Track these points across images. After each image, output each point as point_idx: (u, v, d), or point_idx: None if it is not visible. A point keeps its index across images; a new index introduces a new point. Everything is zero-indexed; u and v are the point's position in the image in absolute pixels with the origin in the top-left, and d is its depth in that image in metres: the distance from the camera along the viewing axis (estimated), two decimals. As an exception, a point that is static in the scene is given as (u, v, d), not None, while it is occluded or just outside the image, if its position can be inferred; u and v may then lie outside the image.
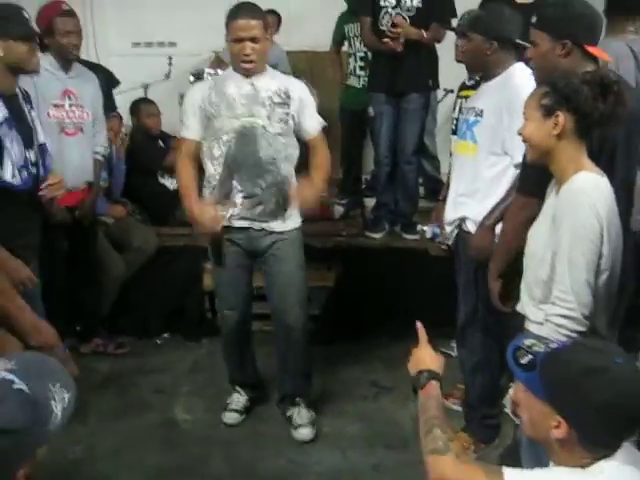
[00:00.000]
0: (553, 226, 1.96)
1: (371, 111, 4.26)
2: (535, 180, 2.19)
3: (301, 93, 3.04)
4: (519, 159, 2.65)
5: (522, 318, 2.34)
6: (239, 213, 3.03)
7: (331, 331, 3.96)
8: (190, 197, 3.00)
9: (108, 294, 4.01)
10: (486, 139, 2.78)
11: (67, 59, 3.47)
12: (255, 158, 2.96)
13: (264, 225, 3.06)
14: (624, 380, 1.45)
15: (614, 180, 2.02)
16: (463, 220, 2.90)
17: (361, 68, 4.72)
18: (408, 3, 3.97)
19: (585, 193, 1.91)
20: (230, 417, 3.38)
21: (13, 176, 2.67)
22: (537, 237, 2.05)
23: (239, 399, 3.43)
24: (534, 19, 2.29)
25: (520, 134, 2.08)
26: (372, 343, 4.03)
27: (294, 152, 3.08)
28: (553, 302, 1.94)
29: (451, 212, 2.96)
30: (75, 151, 3.51)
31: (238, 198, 3.01)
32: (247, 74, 2.93)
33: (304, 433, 3.23)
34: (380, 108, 4.16)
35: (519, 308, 2.17)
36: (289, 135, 3.02)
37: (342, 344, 3.96)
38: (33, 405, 1.26)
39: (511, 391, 1.95)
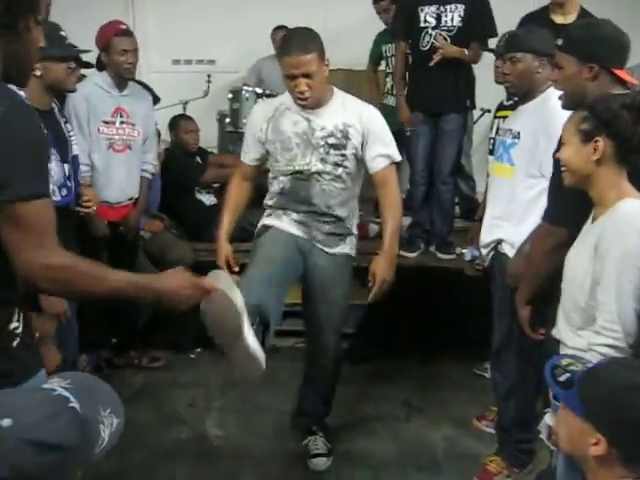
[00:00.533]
0: (595, 254, 1.93)
1: (408, 130, 4.27)
2: (561, 208, 2.19)
3: (368, 125, 2.81)
4: None
5: (557, 343, 2.32)
6: (295, 225, 2.90)
7: (365, 350, 3.95)
8: (221, 229, 3.04)
9: (145, 308, 4.05)
10: (523, 161, 2.76)
11: (122, 77, 3.57)
12: (309, 204, 2.87)
13: (316, 241, 2.91)
14: None
15: None
16: (499, 242, 2.88)
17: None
18: (449, 23, 3.97)
19: (632, 221, 1.90)
20: (319, 462, 3.15)
21: (53, 193, 2.72)
22: (576, 263, 2.03)
23: (317, 440, 3.20)
24: (560, 42, 2.27)
25: (557, 158, 2.06)
26: (405, 363, 4.02)
27: (353, 195, 2.93)
28: (598, 332, 1.92)
29: (487, 234, 2.94)
30: (122, 167, 3.59)
31: (293, 217, 2.92)
32: (306, 107, 2.78)
33: (319, 463, 3.14)
34: (418, 127, 4.17)
35: (555, 333, 2.15)
36: (347, 179, 2.85)
37: (375, 363, 3.96)
38: (84, 425, 1.25)
39: (546, 417, 1.92)
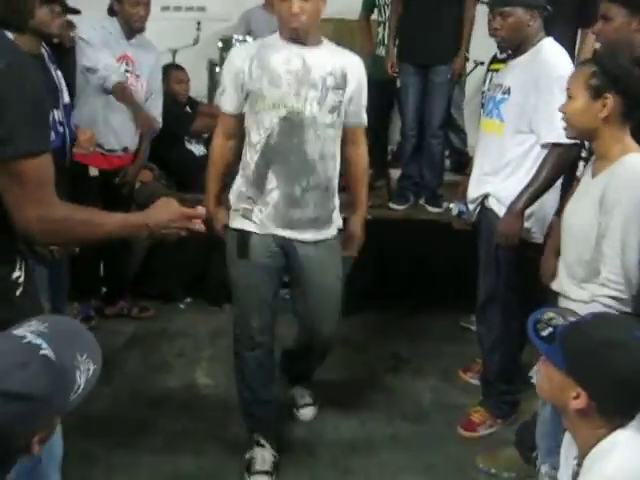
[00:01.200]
0: (600, 207, 1.94)
1: (398, 82, 4.23)
2: None
3: (359, 76, 2.60)
4: (546, 139, 2.65)
5: (553, 295, 2.35)
6: (273, 215, 2.58)
7: (353, 301, 3.97)
8: (210, 195, 2.73)
9: (134, 258, 4.07)
10: (513, 117, 2.75)
11: (132, 28, 3.53)
12: (299, 153, 2.51)
13: (300, 236, 2.62)
14: None
15: None
16: (486, 197, 2.88)
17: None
18: None
19: (638, 175, 1.90)
20: (305, 413, 3.16)
21: None
22: (579, 217, 2.03)
23: (265, 456, 2.78)
24: None
25: (562, 112, 2.05)
26: (393, 314, 4.05)
27: (338, 151, 2.65)
28: (603, 284, 1.95)
29: (474, 190, 2.95)
30: (119, 115, 3.56)
31: (273, 197, 2.56)
32: (297, 41, 2.46)
33: (306, 413, 3.19)
34: (407, 79, 4.12)
35: (555, 286, 2.16)
36: (339, 128, 2.60)
37: (364, 315, 3.98)
38: (57, 373, 1.25)
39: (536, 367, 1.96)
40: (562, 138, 2.55)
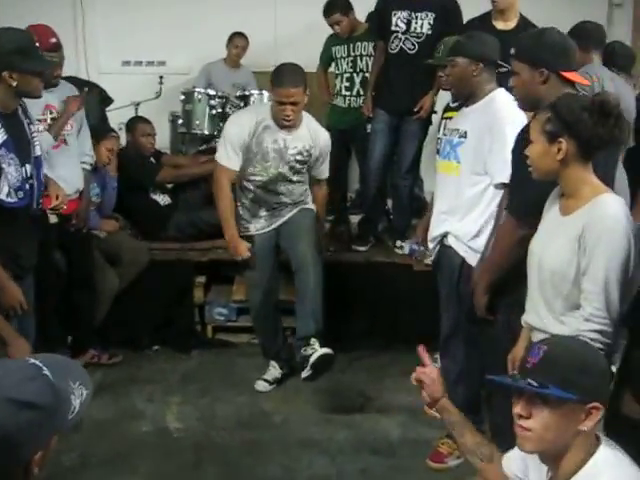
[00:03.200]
0: (578, 247, 2.05)
1: (368, 128, 4.41)
2: (527, 205, 2.32)
3: (322, 148, 3.60)
4: (499, 179, 2.81)
5: (505, 328, 2.47)
6: (263, 227, 3.67)
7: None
8: (230, 229, 3.56)
9: (101, 307, 4.09)
10: (469, 159, 2.91)
11: (47, 84, 3.56)
12: (277, 199, 3.62)
13: (282, 220, 3.68)
14: None
15: None
16: (445, 235, 3.03)
17: (347, 88, 4.82)
18: (418, 29, 4.12)
19: (619, 221, 2.03)
20: (260, 385, 3.85)
21: (8, 195, 2.72)
22: (555, 254, 2.13)
23: (271, 371, 3.89)
24: (513, 50, 2.45)
25: (523, 155, 2.20)
26: (358, 354, 4.16)
27: (306, 182, 3.71)
28: (588, 319, 2.05)
29: (434, 229, 3.09)
30: (62, 162, 3.57)
31: (263, 215, 3.67)
32: (283, 128, 3.43)
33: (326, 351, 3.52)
34: (379, 125, 4.32)
35: (532, 321, 2.25)
36: (303, 179, 3.67)
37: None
38: (57, 392, 1.35)
39: None
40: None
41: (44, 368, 1.36)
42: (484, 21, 3.89)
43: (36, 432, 1.31)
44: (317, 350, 3.40)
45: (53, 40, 3.50)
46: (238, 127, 3.51)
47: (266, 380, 3.87)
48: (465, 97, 3.04)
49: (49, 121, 3.57)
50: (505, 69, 3.06)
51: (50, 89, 3.57)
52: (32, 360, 1.38)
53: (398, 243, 4.36)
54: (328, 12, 4.75)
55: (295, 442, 3.36)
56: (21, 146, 2.83)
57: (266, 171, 3.54)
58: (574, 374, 1.56)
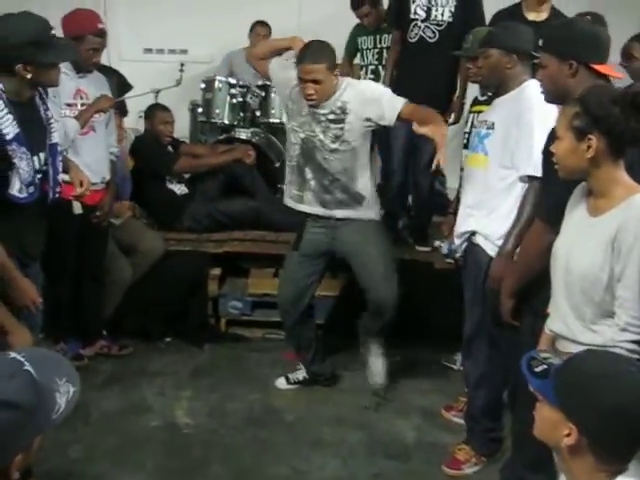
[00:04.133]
0: (612, 250, 1.93)
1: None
2: (557, 209, 2.19)
3: (362, 95, 3.20)
4: (523, 171, 2.70)
5: (530, 334, 2.35)
6: (312, 204, 3.40)
7: (334, 340, 3.97)
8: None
9: (113, 297, 4.02)
10: (497, 151, 2.80)
11: (83, 69, 3.51)
12: (320, 168, 3.33)
13: (337, 213, 3.38)
14: (636, 386, 1.47)
15: None
16: (472, 234, 2.91)
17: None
18: (439, 17, 3.99)
19: None
20: (280, 381, 3.78)
21: (20, 190, 2.63)
22: (585, 258, 2.00)
23: (297, 373, 3.78)
24: (541, 42, 2.35)
25: (549, 151, 2.08)
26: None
27: (358, 163, 3.31)
28: (624, 329, 1.93)
29: (460, 225, 2.98)
30: (89, 150, 3.52)
31: (311, 185, 3.37)
32: None
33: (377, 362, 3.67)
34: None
35: (558, 329, 2.13)
36: (348, 152, 3.27)
37: (346, 353, 3.98)
38: (40, 390, 1.29)
39: None
40: (537, 172, 2.62)
41: (26, 363, 1.28)
42: (514, 11, 3.75)
43: (17, 433, 1.23)
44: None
45: (100, 26, 3.47)
46: (289, 68, 3.29)
47: (287, 378, 3.78)
48: (495, 89, 2.92)
49: (79, 107, 3.51)
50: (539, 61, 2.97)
51: (82, 74, 3.52)
52: (13, 355, 1.30)
53: (437, 243, 4.23)
54: (357, 4, 4.65)
55: (307, 442, 3.26)
56: (35, 134, 2.74)
57: (302, 127, 3.30)
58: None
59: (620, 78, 2.60)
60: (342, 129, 3.23)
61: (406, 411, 3.57)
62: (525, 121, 2.68)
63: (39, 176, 2.76)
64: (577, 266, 2.02)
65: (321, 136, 3.26)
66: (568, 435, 1.49)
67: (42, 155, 2.77)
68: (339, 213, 3.39)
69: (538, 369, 1.60)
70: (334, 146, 3.26)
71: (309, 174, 3.37)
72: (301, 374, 3.77)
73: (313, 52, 3.15)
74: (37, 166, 2.74)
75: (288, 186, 3.51)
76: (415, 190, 4.28)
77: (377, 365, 3.66)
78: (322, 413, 3.51)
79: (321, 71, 3.11)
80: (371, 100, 3.20)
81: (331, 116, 3.22)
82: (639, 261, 1.89)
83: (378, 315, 3.51)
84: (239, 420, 3.43)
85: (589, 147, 1.94)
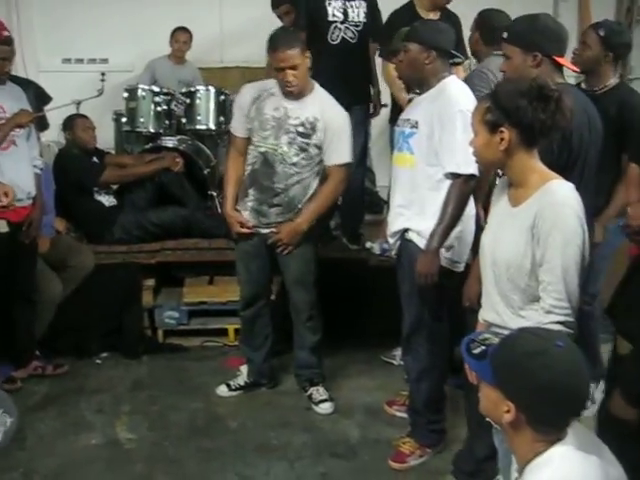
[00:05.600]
0: (532, 237, 1.99)
1: None
2: None
3: (332, 125, 3.28)
4: (448, 168, 2.76)
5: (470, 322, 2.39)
6: (248, 217, 3.43)
7: (275, 343, 3.96)
8: (228, 199, 3.45)
9: (45, 315, 3.90)
10: (422, 150, 2.83)
11: None
12: (269, 181, 3.33)
13: (268, 230, 3.42)
14: (563, 361, 1.54)
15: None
16: (405, 231, 2.94)
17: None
18: (355, 18, 4.05)
19: (570, 205, 1.98)
20: (221, 389, 3.73)
21: None
22: (507, 247, 2.06)
23: (238, 378, 3.75)
24: (505, 34, 2.43)
25: (471, 146, 2.13)
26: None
27: (309, 179, 3.36)
28: (549, 311, 1.98)
29: (392, 223, 3.01)
30: (11, 165, 3.42)
31: (249, 204, 3.41)
32: (289, 96, 3.24)
33: (325, 407, 3.56)
34: None
35: (490, 318, 2.19)
36: (307, 164, 3.32)
37: (284, 355, 3.96)
38: None
39: None
40: (460, 169, 2.70)
41: None
42: (408, 9, 3.88)
43: None
44: (322, 395, 3.61)
45: (5, 33, 3.35)
46: (243, 95, 3.41)
47: (228, 385, 3.73)
48: (416, 85, 2.97)
49: None
50: (460, 60, 3.02)
51: None
52: None
53: (368, 244, 4.26)
54: (276, 3, 4.65)
55: (252, 448, 3.24)
56: None
57: (264, 141, 3.31)
58: None
59: (576, 71, 2.79)
60: (308, 144, 3.28)
61: (349, 409, 3.59)
62: (447, 118, 2.74)
63: None
64: (502, 255, 2.09)
65: (285, 148, 3.28)
66: (507, 412, 1.56)
67: None
68: (271, 227, 3.42)
69: (476, 351, 1.67)
70: (296, 159, 3.29)
71: (251, 193, 3.40)
72: (242, 379, 3.73)
73: (285, 38, 3.21)
74: None
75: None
76: (345, 190, 4.30)
77: (324, 409, 3.58)
78: (266, 417, 3.49)
79: (297, 56, 3.14)
80: (332, 134, 3.29)
81: (300, 129, 3.27)
82: (558, 245, 1.96)
83: (299, 315, 3.57)
84: (182, 431, 3.39)
85: (502, 139, 2.01)
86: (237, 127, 3.42)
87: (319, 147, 3.30)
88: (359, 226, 4.40)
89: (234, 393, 3.71)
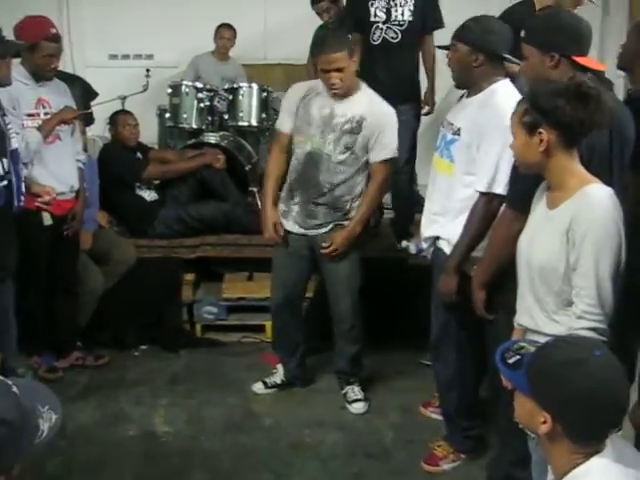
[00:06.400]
0: (567, 240, 1.97)
1: None
2: (525, 196, 2.21)
3: (379, 122, 3.28)
4: (478, 186, 2.67)
5: (506, 328, 2.35)
6: (295, 219, 3.42)
7: (311, 340, 3.97)
8: (267, 196, 3.46)
9: (87, 307, 3.98)
10: (462, 158, 2.75)
11: (42, 77, 3.46)
12: (315, 181, 3.33)
13: (317, 232, 3.40)
14: (602, 370, 1.50)
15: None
16: (437, 238, 2.91)
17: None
18: (399, 17, 4.01)
19: (607, 210, 1.95)
20: (257, 386, 3.74)
21: None
22: (543, 249, 2.04)
23: (274, 376, 3.76)
24: (523, 33, 2.33)
25: (511, 149, 2.11)
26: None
27: (355, 178, 3.35)
28: (581, 316, 1.96)
29: (425, 229, 2.97)
30: (56, 159, 3.48)
31: (295, 207, 3.41)
32: (335, 94, 3.24)
33: (358, 407, 3.56)
34: None
35: (522, 321, 2.17)
36: (353, 163, 3.32)
37: (322, 354, 3.96)
38: (25, 412, 1.30)
39: None
40: (490, 188, 2.63)
41: (13, 387, 1.30)
42: (525, 4, 3.60)
43: (1, 451, 1.24)
44: (356, 395, 3.62)
45: (54, 30, 3.40)
46: (292, 91, 3.44)
47: (265, 383, 3.75)
48: (466, 86, 2.83)
49: (42, 116, 3.45)
50: (517, 63, 2.76)
51: (42, 82, 3.47)
52: (1, 377, 1.32)
53: (404, 243, 4.24)
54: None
55: (286, 446, 3.26)
56: None
57: (310, 140, 3.31)
58: None
59: (602, 70, 2.49)
60: (354, 143, 3.28)
61: (384, 410, 3.59)
62: (488, 131, 2.62)
63: (4, 183, 2.73)
64: (537, 257, 2.07)
65: (331, 146, 3.28)
66: (544, 423, 1.52)
67: (5, 161, 2.74)
68: (318, 229, 3.41)
69: (511, 360, 1.64)
70: (342, 157, 3.30)
71: (297, 199, 3.40)
72: (278, 377, 3.75)
73: (332, 40, 3.24)
74: (1, 172, 2.71)
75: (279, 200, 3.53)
76: (394, 188, 4.28)
77: (357, 409, 3.59)
78: (300, 416, 3.51)
79: (343, 59, 3.14)
80: (379, 132, 3.28)
81: (347, 127, 3.26)
82: (592, 250, 1.93)
83: (341, 324, 3.55)
84: (218, 426, 3.42)
85: (541, 141, 1.98)
86: (283, 123, 3.43)
87: (365, 146, 3.30)
88: (410, 225, 4.35)
89: (270, 391, 3.73)
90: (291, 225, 3.44)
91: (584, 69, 2.26)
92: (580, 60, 2.26)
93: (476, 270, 2.60)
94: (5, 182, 2.73)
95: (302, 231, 3.43)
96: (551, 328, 2.04)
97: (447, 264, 2.77)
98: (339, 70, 3.15)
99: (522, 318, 2.18)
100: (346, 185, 3.35)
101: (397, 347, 4.07)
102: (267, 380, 3.76)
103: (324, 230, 3.40)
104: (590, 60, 2.31)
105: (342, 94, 3.25)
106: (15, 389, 1.30)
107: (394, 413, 3.56)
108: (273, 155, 3.51)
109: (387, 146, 3.32)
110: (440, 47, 3.65)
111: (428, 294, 3.10)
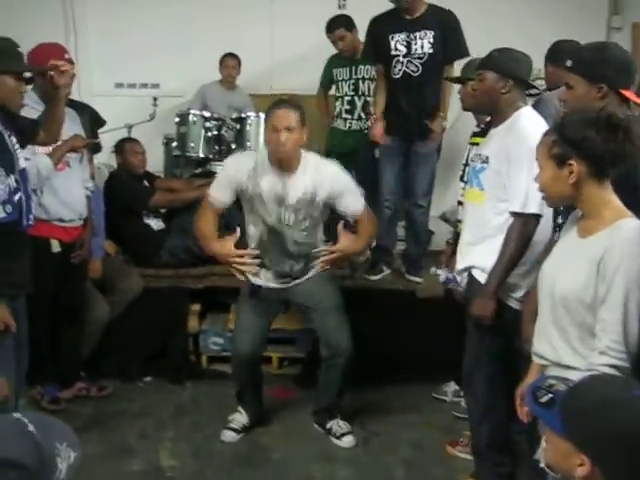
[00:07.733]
0: (597, 272, 1.92)
1: (377, 153, 4.25)
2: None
3: (332, 186, 3.28)
4: (512, 207, 2.68)
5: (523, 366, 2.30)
6: (267, 282, 3.42)
7: (317, 374, 3.90)
8: (209, 242, 3.39)
9: (91, 337, 3.92)
10: (492, 185, 2.75)
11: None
12: (283, 249, 3.35)
13: (295, 282, 3.42)
14: None
15: None
16: (472, 267, 2.86)
17: (347, 111, 4.77)
18: (419, 50, 3.97)
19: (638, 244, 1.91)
20: (227, 435, 3.52)
21: None
22: (570, 277, 2.00)
23: (239, 418, 3.57)
24: (569, 62, 2.32)
25: (537, 182, 2.08)
26: (360, 386, 3.96)
27: (318, 227, 3.41)
28: (603, 352, 1.91)
29: (460, 261, 2.93)
30: (64, 186, 3.47)
31: (267, 273, 3.41)
32: (280, 168, 3.23)
33: (347, 441, 3.48)
34: (389, 150, 4.14)
35: (541, 351, 2.11)
36: (316, 221, 3.37)
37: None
38: (42, 452, 1.26)
39: (544, 443, 1.84)
40: (524, 208, 2.62)
41: (29, 425, 1.25)
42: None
43: None
44: (342, 429, 3.53)
45: (67, 56, 3.38)
46: (236, 165, 3.38)
47: (234, 429, 3.54)
48: (489, 114, 2.86)
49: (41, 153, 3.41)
50: (537, 92, 2.94)
51: None
52: (17, 415, 1.27)
53: (433, 270, 4.15)
54: (332, 27, 4.66)
55: (293, 478, 3.19)
56: (4, 158, 2.69)
57: (269, 216, 3.31)
58: None
59: None
60: (313, 210, 3.31)
61: (394, 445, 3.51)
62: (515, 155, 2.64)
63: (18, 196, 2.71)
64: (562, 285, 2.02)
65: (292, 220, 3.31)
66: (581, 465, 1.44)
67: (13, 178, 2.72)
68: (296, 281, 3.43)
69: (543, 399, 1.56)
70: (304, 225, 3.34)
71: (267, 264, 3.40)
72: (244, 418, 3.60)
73: (288, 102, 3.31)
74: (14, 185, 2.68)
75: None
76: (409, 220, 4.24)
77: (348, 442, 3.50)
78: (309, 450, 3.44)
79: (295, 119, 3.16)
80: (338, 193, 3.30)
81: (302, 202, 3.26)
82: (623, 284, 1.89)
83: (333, 361, 3.43)
84: (225, 460, 3.35)
85: (571, 173, 1.95)
86: (220, 195, 3.37)
87: (324, 204, 3.32)
88: (421, 259, 4.31)
89: (241, 435, 3.54)
90: (264, 282, 3.44)
91: (627, 102, 2.28)
92: (626, 93, 2.28)
93: (526, 304, 2.54)
94: (18, 196, 2.71)
95: (278, 286, 3.43)
96: (572, 360, 1.99)
97: (485, 288, 2.73)
98: (289, 129, 3.13)
99: (540, 346, 2.12)
100: (310, 237, 3.39)
101: (404, 381, 3.99)
102: (233, 426, 3.56)
103: (305, 277, 3.43)
104: (632, 94, 2.32)
105: (285, 162, 3.22)
106: (31, 427, 1.26)
107: (404, 448, 3.48)
108: (209, 218, 3.41)
109: (356, 200, 3.35)
110: (449, 79, 3.65)
111: (439, 327, 3.05)
